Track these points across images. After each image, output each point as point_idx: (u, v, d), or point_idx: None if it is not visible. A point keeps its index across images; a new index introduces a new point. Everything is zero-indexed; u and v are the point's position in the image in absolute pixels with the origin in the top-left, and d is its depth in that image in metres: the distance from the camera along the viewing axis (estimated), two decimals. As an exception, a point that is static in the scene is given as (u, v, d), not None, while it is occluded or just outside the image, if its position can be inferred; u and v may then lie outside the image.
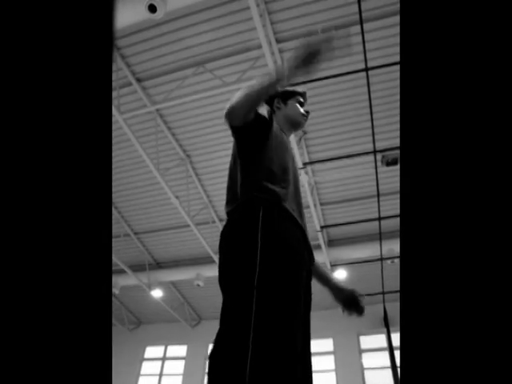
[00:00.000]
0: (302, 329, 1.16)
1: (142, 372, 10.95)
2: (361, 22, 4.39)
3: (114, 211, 8.29)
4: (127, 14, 4.32)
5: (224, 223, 1.35)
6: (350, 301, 1.52)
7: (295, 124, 1.72)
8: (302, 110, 1.73)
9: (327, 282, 1.57)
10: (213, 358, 1.08)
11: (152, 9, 4.19)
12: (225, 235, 1.30)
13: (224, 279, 1.21)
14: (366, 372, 9.00)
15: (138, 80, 6.02)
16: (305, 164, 6.33)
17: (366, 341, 9.47)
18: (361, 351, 9.33)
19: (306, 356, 1.21)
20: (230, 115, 1.30)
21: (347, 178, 7.17)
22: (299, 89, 1.78)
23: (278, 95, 1.74)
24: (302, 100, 1.76)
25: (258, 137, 1.43)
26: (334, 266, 7.98)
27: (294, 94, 1.75)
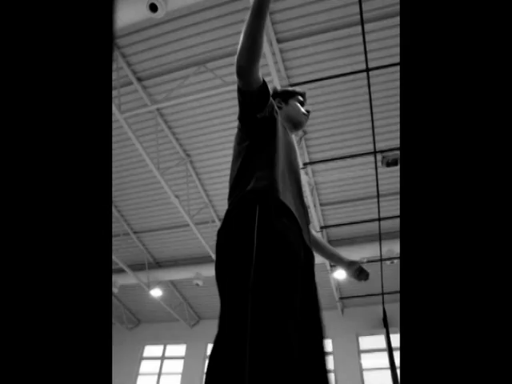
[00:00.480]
0: (309, 327, 1.18)
1: (141, 371, 10.95)
2: (362, 23, 4.39)
3: (113, 210, 8.29)
4: (128, 13, 4.32)
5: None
6: (359, 271, 1.70)
7: (296, 123, 1.74)
8: (303, 110, 1.75)
9: (339, 260, 1.74)
10: (211, 359, 1.07)
11: (153, 8, 4.20)
12: (221, 234, 1.28)
13: (220, 279, 1.20)
14: (364, 373, 9.01)
15: (139, 79, 6.02)
16: (305, 164, 6.34)
17: (365, 341, 9.48)
18: (360, 352, 9.33)
19: (316, 355, 1.19)
20: (240, 61, 1.28)
21: (347, 179, 7.17)
22: (299, 89, 1.80)
23: (278, 95, 1.75)
24: (302, 99, 1.77)
25: (264, 116, 1.42)
26: (334, 266, 7.98)
27: (294, 94, 1.76)
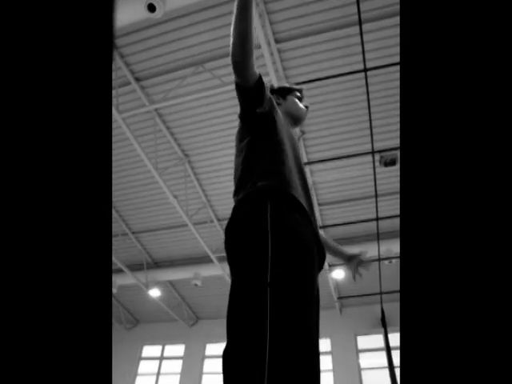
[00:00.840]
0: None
1: (140, 371, 10.94)
2: (360, 23, 4.39)
3: (112, 211, 8.28)
4: (126, 13, 4.31)
5: (227, 220, 1.31)
6: (359, 263, 1.73)
7: (296, 118, 1.74)
8: (301, 105, 1.76)
9: (341, 254, 1.76)
10: (228, 358, 1.04)
11: (151, 8, 4.19)
12: (232, 231, 1.24)
13: (235, 278, 1.16)
14: (363, 372, 9.02)
15: (137, 79, 6.02)
16: (306, 163, 6.34)
17: (364, 341, 9.49)
18: (358, 351, 9.34)
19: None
20: (235, 57, 1.27)
21: (345, 179, 7.18)
22: (296, 85, 1.82)
23: (276, 92, 1.76)
24: (299, 95, 1.78)
25: (264, 111, 1.41)
26: (332, 265, 7.99)
27: (291, 90, 1.78)
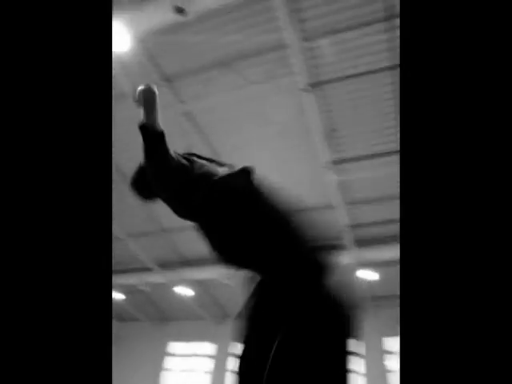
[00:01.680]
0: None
1: (166, 367, 11.18)
2: (398, 17, 4.29)
3: (143, 208, 8.43)
4: (154, 15, 4.40)
5: None
6: None
7: None
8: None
9: None
10: None
11: (179, 10, 4.26)
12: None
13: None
14: (389, 375, 8.83)
15: (166, 80, 6.11)
16: (333, 162, 6.25)
17: (390, 342, 9.31)
18: (383, 352, 9.16)
19: None
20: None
21: (377, 177, 7.03)
22: None
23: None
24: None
25: None
26: (363, 266, 7.84)
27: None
